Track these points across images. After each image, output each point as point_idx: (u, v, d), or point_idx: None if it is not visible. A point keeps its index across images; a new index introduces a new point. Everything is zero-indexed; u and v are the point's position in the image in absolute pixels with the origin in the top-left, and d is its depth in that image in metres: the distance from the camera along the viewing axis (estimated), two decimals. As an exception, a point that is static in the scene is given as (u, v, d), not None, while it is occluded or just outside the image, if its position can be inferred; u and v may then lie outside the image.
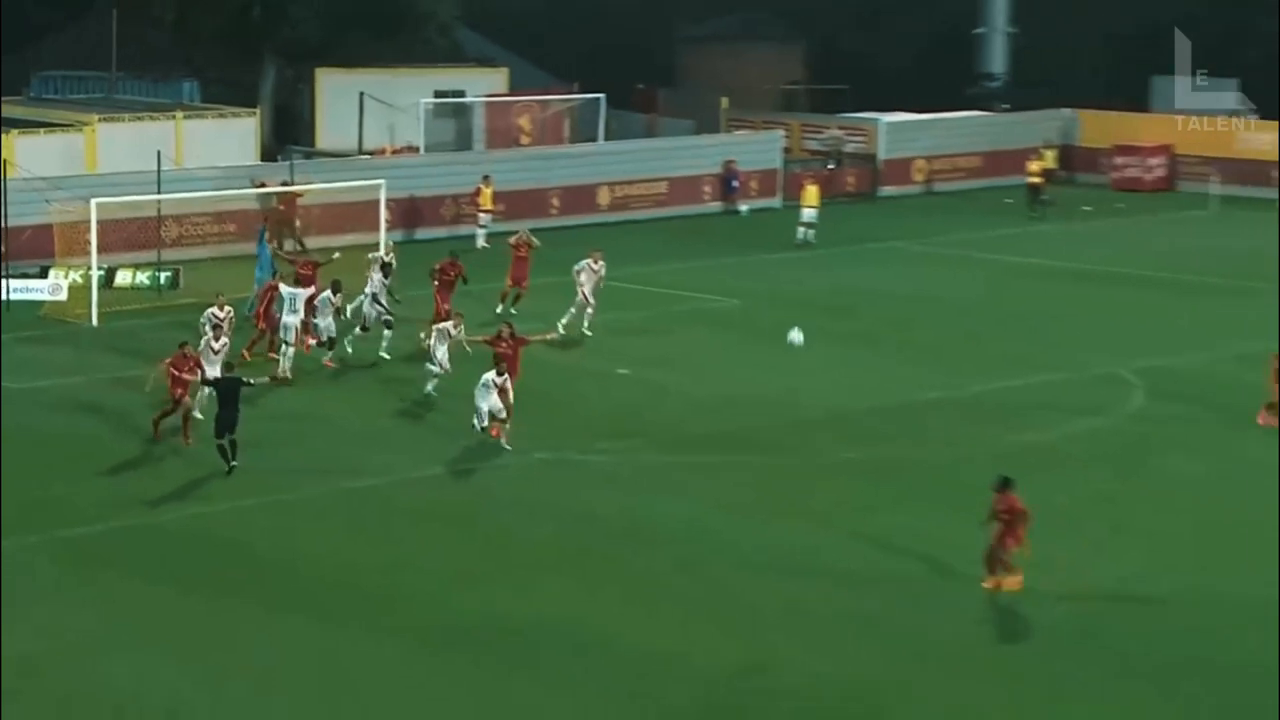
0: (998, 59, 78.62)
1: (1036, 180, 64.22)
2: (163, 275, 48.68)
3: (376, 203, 50.26)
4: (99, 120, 58.95)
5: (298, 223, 52.55)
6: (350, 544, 28.63)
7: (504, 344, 34.44)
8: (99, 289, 45.46)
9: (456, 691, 23.19)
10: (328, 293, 39.50)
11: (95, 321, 44.37)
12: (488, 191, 56.25)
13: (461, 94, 68.74)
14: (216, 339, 35.11)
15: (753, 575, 27.40)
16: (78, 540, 28.58)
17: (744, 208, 64.33)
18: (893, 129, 70.48)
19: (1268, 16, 77.59)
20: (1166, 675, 23.89)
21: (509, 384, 32.98)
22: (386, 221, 50.72)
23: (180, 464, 32.50)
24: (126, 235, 49.06)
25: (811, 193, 58.92)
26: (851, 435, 35.08)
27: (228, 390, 31.75)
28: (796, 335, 26.42)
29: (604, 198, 62.03)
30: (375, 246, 46.99)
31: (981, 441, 34.55)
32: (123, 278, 48.23)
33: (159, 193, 50.10)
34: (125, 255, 49.09)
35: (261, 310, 40.01)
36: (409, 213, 56.40)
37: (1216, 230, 61.43)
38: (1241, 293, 49.90)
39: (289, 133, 68.87)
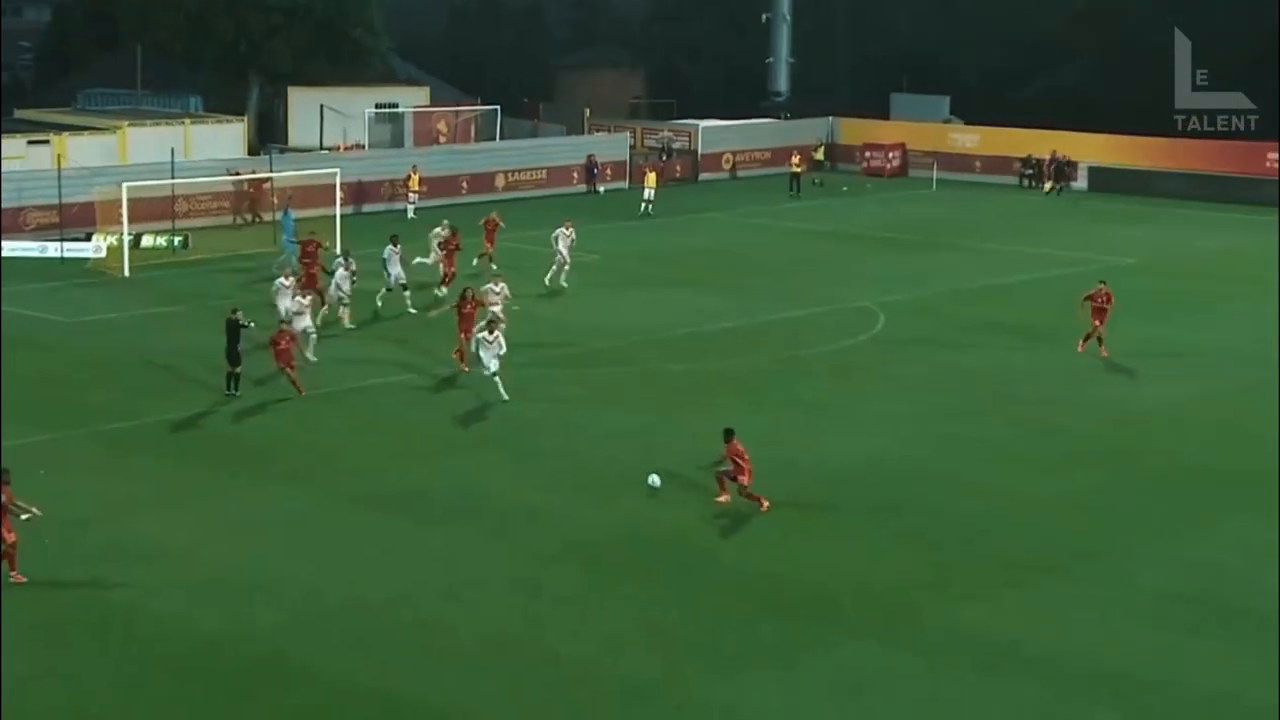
0: (782, 80, 78.74)
1: (797, 170, 63.89)
2: (176, 239, 48.19)
3: (333, 185, 49.89)
4: (128, 125, 58.02)
5: (264, 200, 52.05)
6: (319, 437, 28.41)
7: (468, 305, 32.26)
8: (129, 249, 44.83)
9: (389, 541, 23.20)
10: (389, 247, 38.25)
11: (127, 273, 43.67)
12: (415, 177, 55.81)
13: (395, 105, 68.10)
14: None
15: (597, 447, 27.50)
16: (114, 433, 28.26)
17: (602, 189, 64.24)
18: (708, 131, 70.49)
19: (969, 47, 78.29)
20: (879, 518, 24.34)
21: (498, 337, 30.05)
22: (340, 199, 50.31)
23: (183, 381, 32.06)
24: (149, 209, 48.35)
25: (651, 177, 58.88)
26: (674, 353, 35.27)
27: (232, 331, 30.20)
28: (654, 480, 25.19)
29: (500, 182, 61.60)
30: (333, 219, 46.66)
31: (768, 355, 34.91)
32: (147, 241, 47.53)
33: (173, 178, 49.43)
34: (148, 224, 48.30)
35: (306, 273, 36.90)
36: (357, 193, 55.78)
37: (935, 204, 62.03)
38: (953, 249, 50.51)
39: (269, 134, 67.88)
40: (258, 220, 51.37)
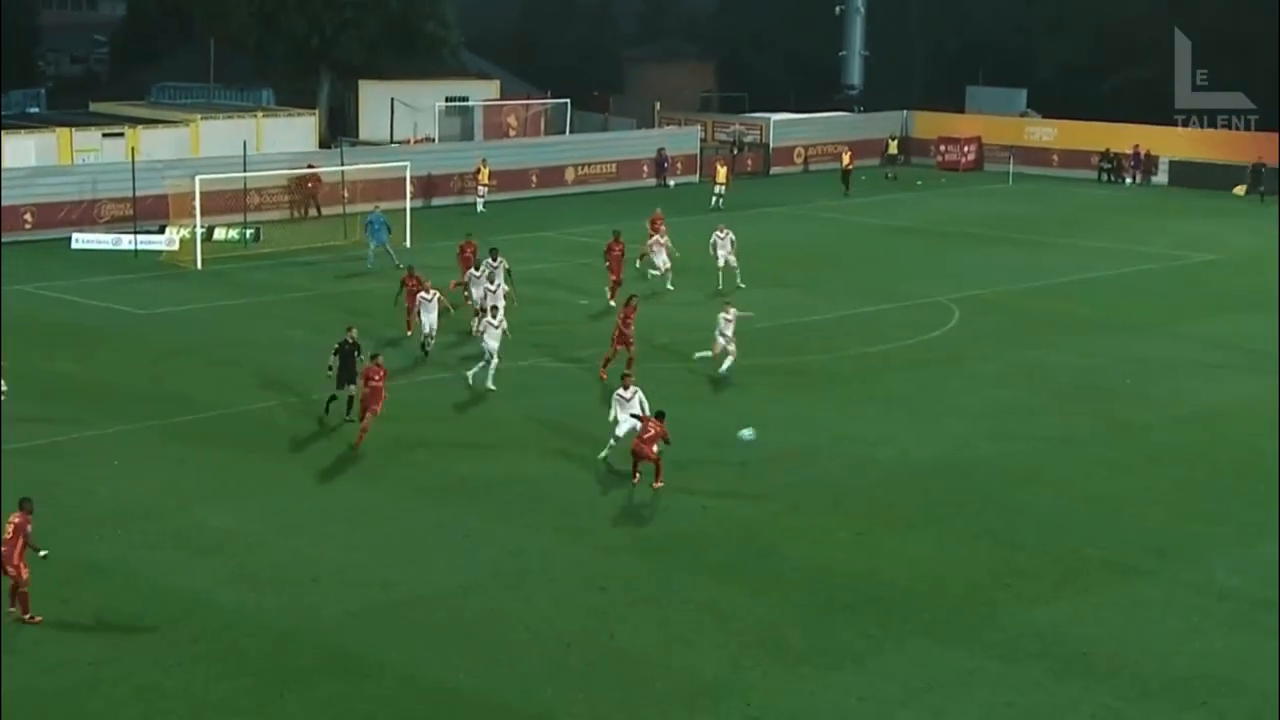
0: (855, 74, 78.29)
1: (848, 167, 62.87)
2: (248, 232, 48.50)
3: (403, 179, 50.14)
4: (200, 118, 58.36)
5: (324, 194, 52.32)
6: (376, 428, 28.40)
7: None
8: (202, 242, 45.30)
9: (456, 534, 23.26)
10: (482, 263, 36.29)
11: (199, 266, 44.11)
12: (485, 170, 55.97)
13: (465, 99, 68.38)
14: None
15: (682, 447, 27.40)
16: (185, 425, 28.52)
17: (673, 182, 64.11)
18: (780, 125, 70.19)
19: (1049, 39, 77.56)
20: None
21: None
22: (410, 192, 50.60)
23: (254, 375, 32.29)
24: (222, 202, 48.69)
25: (722, 172, 58.72)
26: (749, 348, 35.05)
27: (346, 354, 28.04)
28: (748, 433, 25.26)
29: (570, 175, 61.65)
30: (402, 211, 46.89)
31: (842, 350, 34.72)
32: (219, 234, 47.91)
33: (245, 171, 49.80)
34: (220, 217, 48.55)
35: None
36: (427, 186, 55.97)
37: (1012, 199, 61.48)
38: (1029, 245, 50.05)
39: (340, 128, 68.40)
40: (318, 215, 51.56)
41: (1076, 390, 31.25)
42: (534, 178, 60.13)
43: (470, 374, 30.58)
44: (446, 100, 66.81)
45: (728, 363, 31.57)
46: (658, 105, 73.96)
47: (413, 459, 26.51)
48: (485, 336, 30.57)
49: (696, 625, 19.85)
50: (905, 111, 73.16)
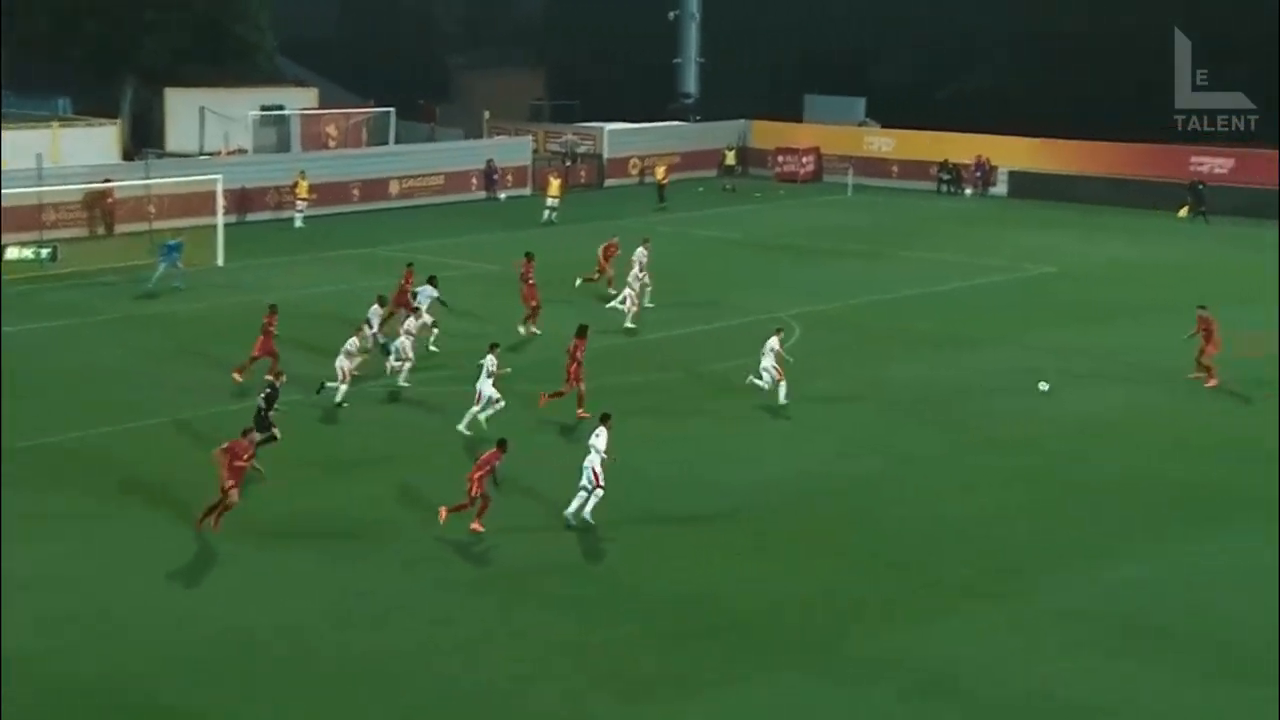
0: (691, 82, 79.16)
1: (662, 182, 63.57)
2: (44, 251, 47.18)
3: (214, 193, 49.37)
4: (-11, 128, 56.79)
5: (119, 211, 51.35)
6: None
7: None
8: (-7, 262, 44.13)
9: (290, 572, 22.99)
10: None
11: (-8, 287, 42.92)
12: (304, 183, 55.43)
13: (281, 108, 67.54)
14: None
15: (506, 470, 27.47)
16: None
17: (503, 195, 64.20)
18: (614, 135, 70.68)
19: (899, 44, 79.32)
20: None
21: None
22: (223, 207, 49.81)
23: (61, 404, 31.48)
24: (15, 220, 47.48)
25: (554, 184, 59.00)
26: (604, 366, 35.17)
27: (269, 399, 27.54)
28: (1044, 386, 27.51)
29: (394, 188, 61.32)
30: (213, 228, 46.19)
31: (681, 369, 35.00)
32: (12, 253, 46.49)
33: (40, 185, 48.58)
34: (14, 236, 47.37)
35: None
36: (241, 201, 55.26)
37: (851, 211, 62.65)
38: (870, 257, 51.04)
39: (145, 138, 67.01)
40: (110, 234, 50.35)
41: (922, 406, 32.01)
42: (356, 191, 59.70)
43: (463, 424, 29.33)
44: (261, 109, 65.92)
45: (782, 388, 31.31)
46: (487, 114, 73.95)
47: (247, 492, 26.04)
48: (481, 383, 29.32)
49: (544, 661, 19.92)
50: (743, 121, 74.09)
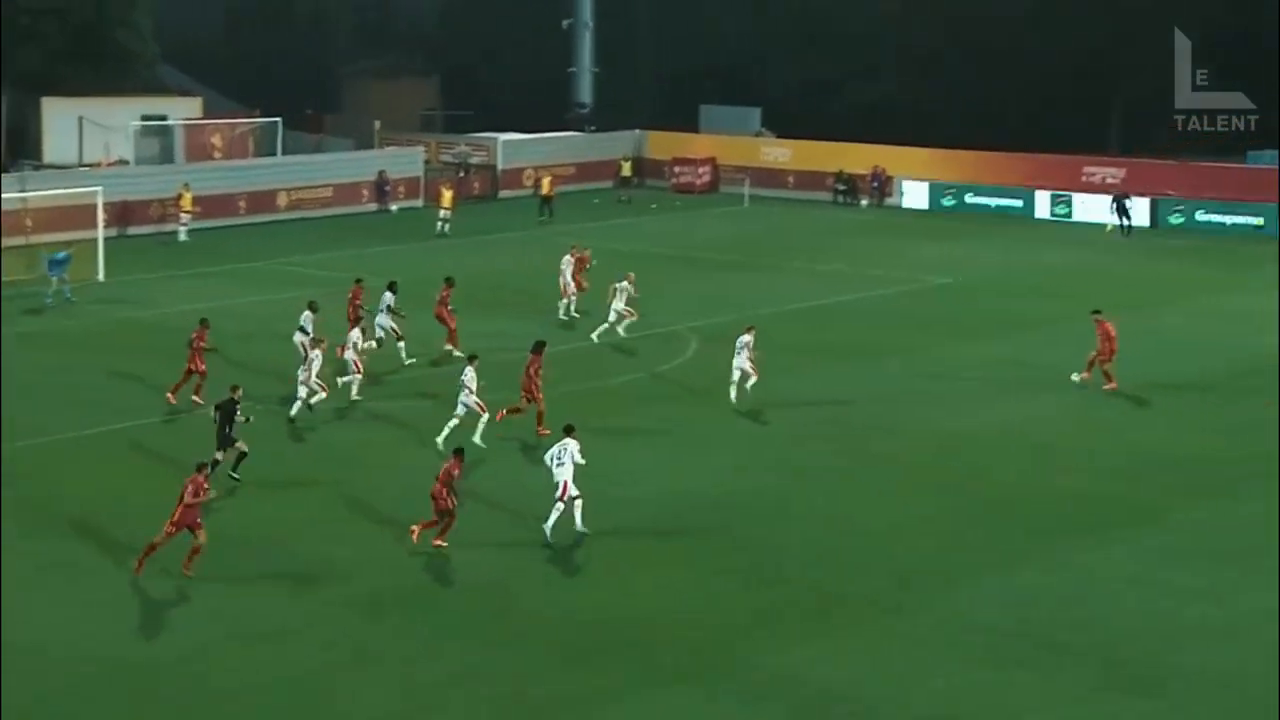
0: (586, 91, 79.32)
1: (547, 194, 63.49)
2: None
3: (94, 205, 48.72)
4: None
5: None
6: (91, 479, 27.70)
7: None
8: None
9: (172, 596, 22.78)
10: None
11: None
12: (188, 196, 54.89)
13: (164, 118, 66.83)
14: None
15: (400, 488, 27.39)
16: None
17: (394, 207, 63.98)
18: (508, 145, 70.69)
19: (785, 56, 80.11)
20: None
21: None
22: (104, 220, 49.18)
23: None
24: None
25: (447, 195, 58.95)
26: (497, 382, 35.11)
27: (227, 414, 27.40)
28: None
29: (282, 200, 60.93)
30: (94, 242, 45.59)
31: (576, 383, 35.01)
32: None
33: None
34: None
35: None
36: (122, 213, 54.59)
37: (747, 222, 63.05)
38: (767, 269, 51.44)
39: (20, 149, 65.98)
40: None
41: (821, 419, 32.35)
42: (242, 203, 59.24)
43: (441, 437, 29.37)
44: (143, 119, 65.17)
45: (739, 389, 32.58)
46: (377, 125, 73.61)
47: (124, 510, 25.78)
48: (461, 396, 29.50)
49: (429, 683, 19.88)
50: (639, 131, 74.40)
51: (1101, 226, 59.12)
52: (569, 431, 25.40)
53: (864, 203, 67.05)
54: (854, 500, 27.26)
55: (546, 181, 65.01)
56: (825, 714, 19.11)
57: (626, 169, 70.42)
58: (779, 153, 71.33)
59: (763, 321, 42.04)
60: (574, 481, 24.71)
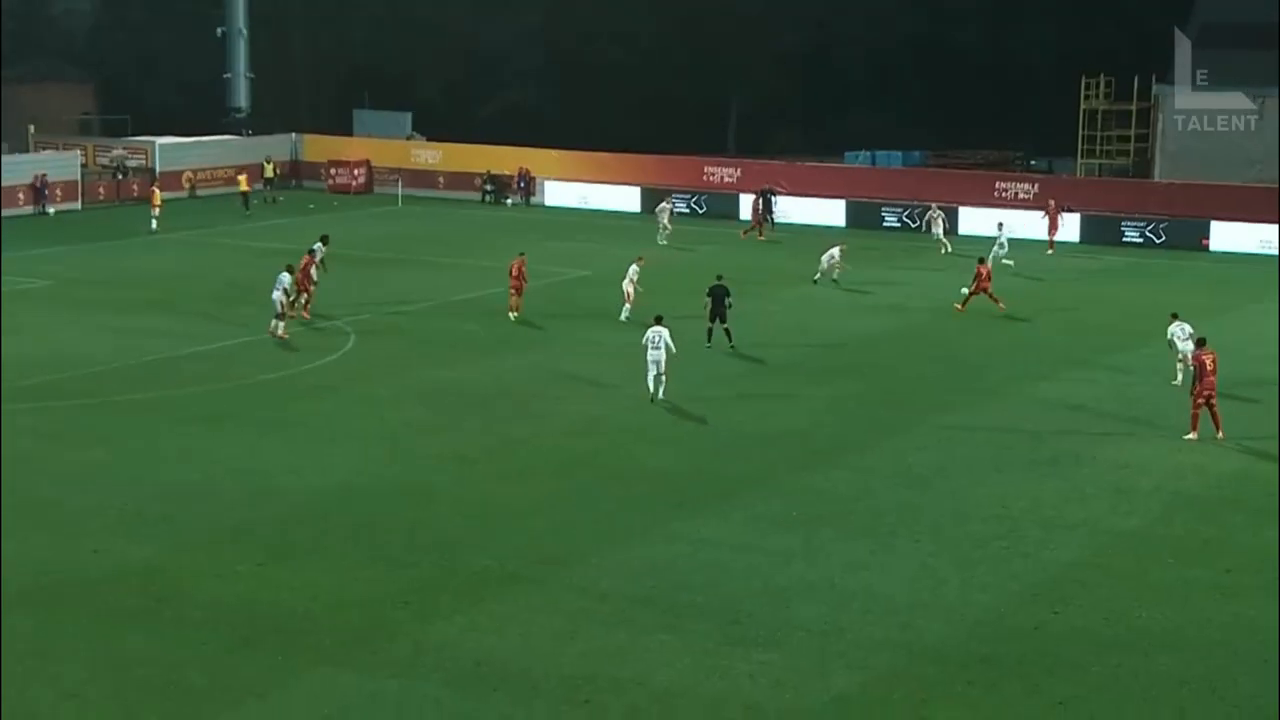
0: (242, 96, 77.21)
1: (245, 189, 62.90)
2: None
3: None
4: None
5: None
6: None
7: None
8: None
9: None
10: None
11: None
12: None
13: None
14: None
15: (58, 485, 26.26)
16: None
17: (52, 210, 61.12)
18: (165, 149, 68.42)
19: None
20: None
21: None
22: None
23: None
24: None
25: (157, 194, 57.51)
26: (138, 382, 34.03)
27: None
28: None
29: (-65, 204, 57.40)
30: None
31: (236, 379, 34.23)
32: None
33: None
34: None
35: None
36: None
37: (402, 221, 62.69)
38: (421, 265, 51.20)
39: None
40: None
41: (467, 408, 32.33)
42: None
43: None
44: None
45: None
46: (32, 128, 70.12)
47: None
48: None
49: (90, 677, 19.07)
50: (294, 135, 73.08)
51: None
52: (659, 320, 31.78)
53: (510, 201, 67.40)
54: (495, 481, 27.27)
55: (244, 177, 63.66)
56: (480, 680, 19.14)
57: (269, 170, 68.71)
58: (429, 155, 71.19)
59: (415, 316, 42.06)
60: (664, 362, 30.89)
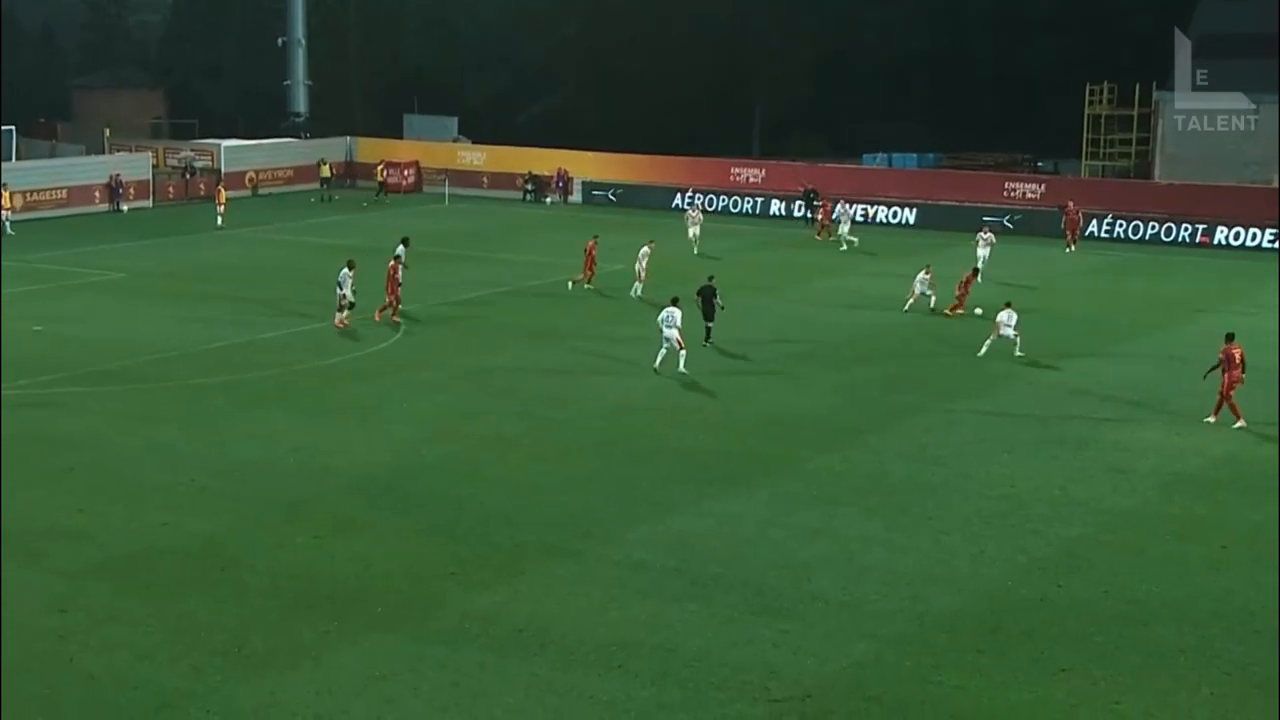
0: (301, 102, 77.38)
1: (327, 175, 63.61)
2: None
3: None
4: None
5: None
6: None
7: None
8: None
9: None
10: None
11: None
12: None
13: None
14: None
15: (130, 463, 26.39)
16: None
17: (125, 208, 61.49)
18: (230, 150, 68.76)
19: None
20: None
21: None
22: None
23: None
24: None
25: (222, 194, 57.88)
26: (206, 367, 34.20)
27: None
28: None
29: (18, 202, 57.73)
30: None
31: (296, 365, 34.31)
32: None
33: None
34: None
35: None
36: None
37: (449, 218, 62.67)
38: (467, 260, 51.13)
39: None
40: None
41: (508, 391, 32.30)
42: (-18, 205, 55.93)
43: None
44: None
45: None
46: (107, 132, 70.55)
47: None
48: None
49: (159, 641, 19.14)
50: (349, 137, 73.42)
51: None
52: (674, 302, 32.59)
53: (549, 200, 67.39)
54: (535, 460, 27.26)
55: (326, 166, 64.21)
56: (520, 646, 19.12)
57: (325, 170, 68.97)
58: (474, 156, 71.39)
59: (462, 306, 42.07)
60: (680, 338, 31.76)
